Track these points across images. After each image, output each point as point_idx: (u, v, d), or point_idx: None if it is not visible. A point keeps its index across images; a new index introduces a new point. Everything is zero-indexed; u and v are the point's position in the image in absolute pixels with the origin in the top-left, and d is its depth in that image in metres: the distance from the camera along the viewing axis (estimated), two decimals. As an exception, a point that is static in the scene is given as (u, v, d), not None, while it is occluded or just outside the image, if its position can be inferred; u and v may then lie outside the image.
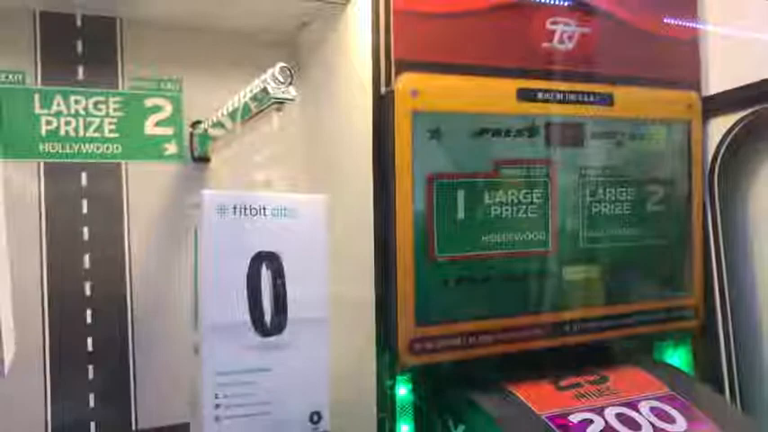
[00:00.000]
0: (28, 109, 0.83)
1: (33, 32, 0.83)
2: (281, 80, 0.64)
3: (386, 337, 0.78)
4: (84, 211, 0.85)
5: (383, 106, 0.78)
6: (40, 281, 0.81)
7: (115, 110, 0.87)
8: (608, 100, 0.88)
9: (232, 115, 0.73)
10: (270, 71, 0.65)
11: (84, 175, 0.86)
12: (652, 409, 0.82)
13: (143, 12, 0.86)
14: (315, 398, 0.69)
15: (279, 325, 0.67)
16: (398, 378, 0.80)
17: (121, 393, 0.85)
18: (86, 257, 0.84)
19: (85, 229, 0.85)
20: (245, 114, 0.70)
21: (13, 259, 0.77)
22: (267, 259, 0.67)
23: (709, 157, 0.97)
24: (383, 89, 0.78)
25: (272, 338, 0.67)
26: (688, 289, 0.96)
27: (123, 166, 0.88)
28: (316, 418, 0.69)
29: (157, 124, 0.89)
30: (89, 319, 0.84)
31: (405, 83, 0.77)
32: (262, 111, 0.67)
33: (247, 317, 0.66)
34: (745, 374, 0.96)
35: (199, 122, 0.89)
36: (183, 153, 0.90)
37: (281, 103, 0.64)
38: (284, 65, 0.64)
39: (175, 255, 0.84)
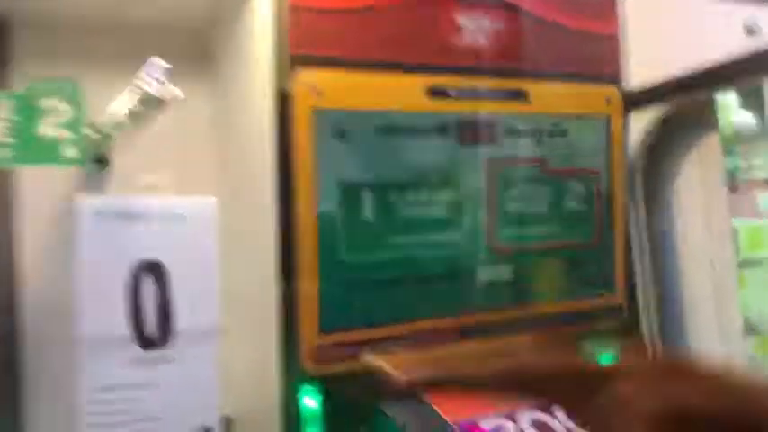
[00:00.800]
0: None
1: None
2: (159, 78, 0.60)
3: (289, 345, 0.75)
4: (-28, 219, 0.80)
5: (284, 105, 0.75)
6: None
7: (7, 113, 0.82)
8: (522, 96, 0.86)
9: (117, 116, 0.69)
10: (145, 68, 0.61)
11: (-29, 182, 0.81)
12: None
13: (35, 8, 0.82)
14: (205, 414, 0.65)
15: (163, 338, 0.64)
16: (304, 388, 0.77)
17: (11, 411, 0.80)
18: (-25, 268, 0.80)
19: (-26, 238, 0.80)
20: (133, 115, 0.67)
21: None
22: (150, 268, 0.63)
23: (631, 152, 0.95)
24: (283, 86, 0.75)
25: (156, 352, 0.63)
26: (610, 288, 0.94)
27: (13, 173, 0.83)
28: (206, 434, 0.66)
29: (54, 126, 0.84)
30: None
31: (304, 79, 0.74)
32: (146, 110, 0.63)
33: (127, 329, 0.62)
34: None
35: (96, 124, 0.85)
36: (83, 156, 0.85)
37: (161, 102, 0.60)
38: (159, 61, 0.61)
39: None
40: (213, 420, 0.67)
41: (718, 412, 0.36)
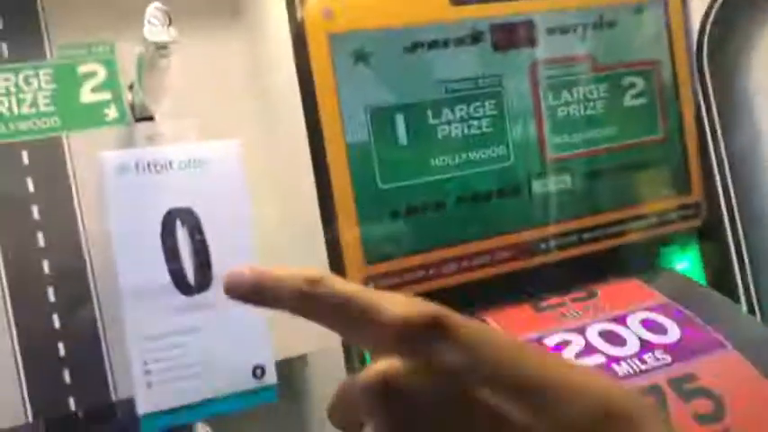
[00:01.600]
0: (-44, 94, 0.81)
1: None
2: (157, 22, 0.59)
3: (340, 279, 0.74)
4: (31, 189, 0.84)
5: (301, 34, 0.72)
6: (-6, 263, 0.81)
7: (47, 82, 0.85)
8: (559, -11, 0.79)
9: (138, 70, 0.69)
10: (146, 14, 0.60)
11: (24, 154, 0.84)
12: (642, 321, 0.76)
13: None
14: (255, 353, 0.66)
15: (204, 282, 0.64)
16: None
17: (96, 367, 0.84)
18: (40, 236, 0.83)
19: (35, 208, 0.84)
20: (142, 67, 0.66)
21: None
22: (181, 215, 0.64)
23: (695, 35, 0.86)
24: (299, 14, 0.73)
25: (198, 297, 0.64)
26: (685, 186, 0.87)
27: (64, 139, 0.85)
28: (259, 372, 0.66)
29: (94, 90, 0.86)
30: (52, 298, 0.83)
31: (315, 3, 0.71)
32: (152, 58, 0.62)
33: (167, 277, 0.63)
34: (758, 272, 0.87)
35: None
36: (125, 116, 0.87)
37: (164, 47, 0.59)
38: (157, 4, 0.59)
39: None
40: (266, 359, 0.67)
41: None
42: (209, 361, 0.64)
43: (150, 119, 0.87)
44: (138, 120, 0.87)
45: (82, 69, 0.87)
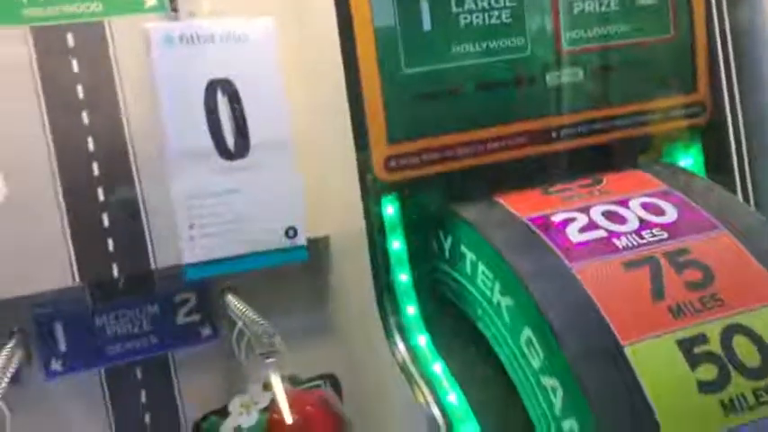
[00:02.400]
0: (6, -23, 0.86)
1: None
2: None
3: (363, 158, 0.80)
4: (76, 70, 0.90)
5: None
6: (45, 138, 0.87)
7: (90, -32, 0.89)
8: None
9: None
10: None
11: (69, 36, 0.89)
12: (642, 204, 0.82)
13: None
14: (289, 214, 0.73)
15: (242, 148, 0.70)
16: (383, 197, 0.82)
17: (137, 237, 0.92)
18: (84, 114, 0.90)
19: (79, 88, 0.90)
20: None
21: (15, 116, 0.83)
22: (221, 85, 0.69)
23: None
24: None
25: (237, 161, 0.70)
26: (691, 85, 0.92)
27: (106, 24, 0.91)
28: (291, 232, 0.73)
29: (134, -22, 0.91)
30: (96, 172, 0.90)
31: None
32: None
33: (210, 142, 0.69)
34: (758, 169, 0.92)
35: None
36: (164, 4, 0.92)
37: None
38: None
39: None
40: (298, 221, 0.74)
41: None
42: (246, 219, 0.71)
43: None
44: (175, 9, 0.92)
45: (123, -44, 0.91)
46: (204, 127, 0.70)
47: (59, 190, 0.89)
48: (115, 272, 0.91)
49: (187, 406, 1.01)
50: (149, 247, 0.92)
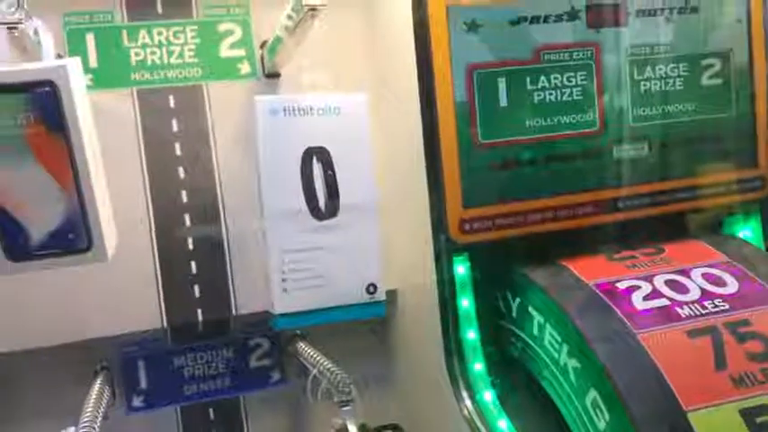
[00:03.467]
0: (118, 44, 0.96)
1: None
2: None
3: (438, 220, 0.86)
4: (175, 129, 0.98)
5: (421, 6, 0.84)
6: (144, 190, 0.95)
7: (192, 37, 0.98)
8: (650, -25, 0.89)
9: (280, 30, 0.81)
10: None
11: (171, 98, 0.98)
12: (704, 274, 0.85)
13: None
14: (369, 272, 0.79)
15: (331, 210, 0.77)
16: (455, 258, 0.88)
17: (221, 285, 0.98)
18: (180, 169, 0.97)
19: (177, 145, 0.98)
20: (288, 27, 0.78)
21: (119, 170, 0.91)
22: (317, 153, 0.76)
23: (772, 23, 0.95)
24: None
25: (327, 222, 0.77)
26: (751, 160, 0.96)
27: (204, 88, 0.99)
28: (372, 288, 0.79)
29: (231, 47, 1.00)
30: (188, 223, 0.97)
31: (437, -19, 0.82)
32: (301, 20, 0.75)
33: (303, 204, 0.76)
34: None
35: (266, 42, 0.99)
36: (256, 71, 1.00)
37: (314, 9, 0.71)
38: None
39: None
40: (377, 279, 0.80)
41: None
42: (332, 275, 0.77)
43: (277, 75, 1.00)
44: (268, 76, 1.00)
45: (221, 28, 1.00)
46: (299, 189, 0.76)
47: (154, 237, 0.96)
48: (200, 316, 0.98)
49: (255, 447, 1.06)
50: (231, 295, 0.98)
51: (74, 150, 0.69)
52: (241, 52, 1.00)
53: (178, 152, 0.98)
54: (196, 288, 0.98)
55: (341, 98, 0.79)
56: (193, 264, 0.98)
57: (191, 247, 0.97)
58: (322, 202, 0.78)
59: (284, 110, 0.77)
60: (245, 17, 1.00)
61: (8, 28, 0.65)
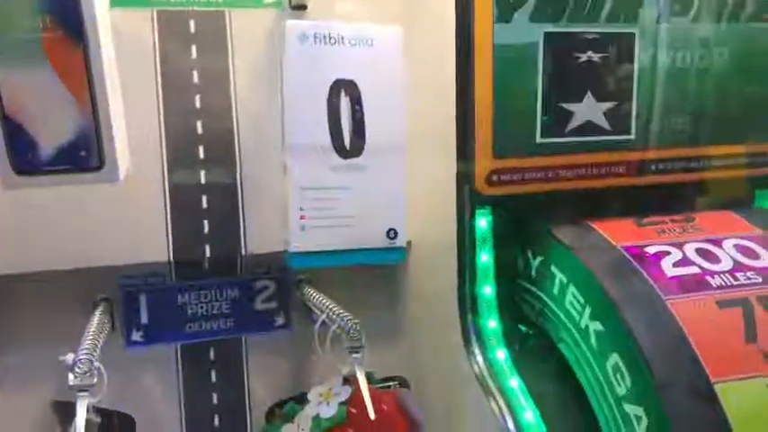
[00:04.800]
0: (140, -41, 0.90)
1: None
2: None
3: (465, 169, 0.82)
4: (194, 55, 0.93)
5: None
6: (158, 116, 0.91)
7: (218, -39, 0.93)
8: None
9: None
10: None
11: (191, 23, 0.93)
12: (736, 245, 0.82)
13: None
14: (392, 216, 0.75)
15: (357, 148, 0.73)
16: (478, 210, 0.84)
17: (232, 222, 0.95)
18: (197, 98, 0.93)
19: (195, 72, 0.93)
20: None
21: (134, 94, 0.87)
22: (345, 86, 0.72)
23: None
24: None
25: (352, 160, 0.73)
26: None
27: (227, 14, 0.94)
28: (392, 234, 0.75)
29: (256, -27, 0.94)
30: (201, 155, 0.93)
31: None
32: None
33: (328, 139, 0.72)
34: None
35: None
36: (281, 0, 0.95)
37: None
38: None
39: (275, 93, 0.91)
40: (399, 224, 0.76)
41: None
42: (353, 216, 0.74)
43: (304, 7, 0.95)
44: (294, 7, 0.95)
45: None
46: (324, 123, 0.72)
47: (165, 169, 0.92)
48: (207, 253, 0.94)
49: (254, 390, 1.03)
50: (242, 232, 0.95)
51: (91, 60, 0.65)
52: (267, -21, 0.95)
53: (195, 80, 0.93)
54: (205, 223, 0.94)
55: (375, 29, 0.74)
56: (204, 198, 0.94)
57: (202, 180, 0.94)
58: (347, 140, 0.73)
59: (314, 36, 0.72)
60: (273, -57, 0.95)
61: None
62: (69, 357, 0.69)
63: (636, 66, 0.83)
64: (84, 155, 0.67)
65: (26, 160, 0.66)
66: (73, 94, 0.65)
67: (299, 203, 0.73)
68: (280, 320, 1.02)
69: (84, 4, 0.61)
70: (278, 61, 0.75)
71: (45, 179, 0.67)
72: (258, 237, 0.95)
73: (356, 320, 0.77)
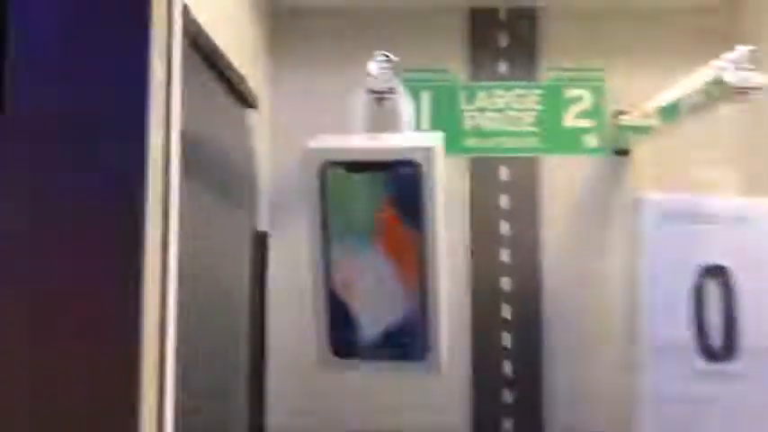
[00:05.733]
0: (454, 105, 0.85)
1: (462, 29, 0.85)
2: (745, 66, 0.54)
3: None
4: (504, 205, 0.85)
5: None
6: (465, 272, 0.84)
7: (534, 102, 0.85)
8: None
9: (668, 108, 0.64)
10: (729, 56, 0.55)
11: (503, 170, 0.86)
12: None
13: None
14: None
15: (728, 350, 0.58)
16: None
17: (533, 392, 0.84)
18: (504, 252, 0.85)
19: (504, 224, 0.85)
20: (687, 107, 0.62)
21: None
22: (715, 274, 0.58)
23: None
24: None
25: (720, 365, 0.58)
26: None
27: (541, 160, 0.86)
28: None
29: (577, 116, 0.85)
30: (507, 315, 0.84)
31: None
32: (710, 102, 0.58)
33: (691, 338, 0.58)
34: None
35: (622, 113, 0.83)
36: (604, 146, 0.85)
37: (744, 93, 0.54)
38: (751, 47, 0.54)
39: (592, 254, 0.80)
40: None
41: None
42: (719, 438, 0.58)
43: (626, 153, 0.83)
44: (618, 153, 0.84)
45: (568, 93, 0.86)
46: (688, 319, 0.59)
47: (468, 332, 0.84)
48: (507, 426, 0.84)
49: None
50: (543, 403, 0.83)
51: (425, 244, 0.58)
52: (588, 123, 0.86)
53: (503, 232, 0.85)
54: (506, 393, 0.84)
55: (752, 205, 0.60)
56: (507, 363, 0.84)
57: (507, 344, 0.84)
58: (715, 339, 0.59)
59: (679, 214, 0.60)
60: (599, 83, 0.85)
61: (377, 98, 0.55)
62: None
63: None
64: (408, 342, 0.59)
65: (345, 342, 0.60)
66: (402, 278, 0.58)
67: (656, 417, 0.59)
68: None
69: (424, 185, 0.55)
70: (609, 229, 0.64)
71: (362, 364, 0.60)
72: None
73: None
